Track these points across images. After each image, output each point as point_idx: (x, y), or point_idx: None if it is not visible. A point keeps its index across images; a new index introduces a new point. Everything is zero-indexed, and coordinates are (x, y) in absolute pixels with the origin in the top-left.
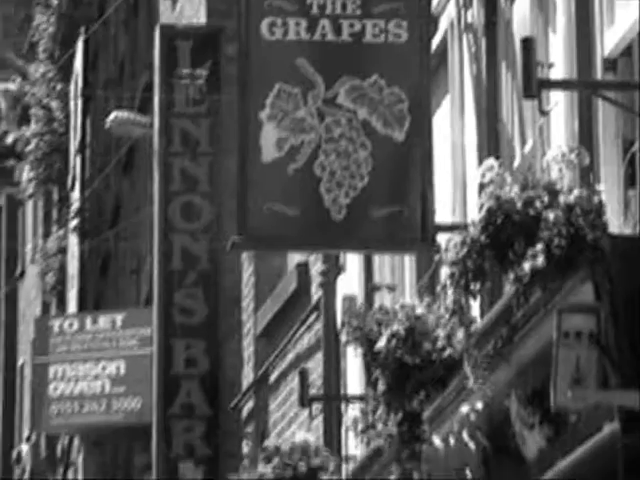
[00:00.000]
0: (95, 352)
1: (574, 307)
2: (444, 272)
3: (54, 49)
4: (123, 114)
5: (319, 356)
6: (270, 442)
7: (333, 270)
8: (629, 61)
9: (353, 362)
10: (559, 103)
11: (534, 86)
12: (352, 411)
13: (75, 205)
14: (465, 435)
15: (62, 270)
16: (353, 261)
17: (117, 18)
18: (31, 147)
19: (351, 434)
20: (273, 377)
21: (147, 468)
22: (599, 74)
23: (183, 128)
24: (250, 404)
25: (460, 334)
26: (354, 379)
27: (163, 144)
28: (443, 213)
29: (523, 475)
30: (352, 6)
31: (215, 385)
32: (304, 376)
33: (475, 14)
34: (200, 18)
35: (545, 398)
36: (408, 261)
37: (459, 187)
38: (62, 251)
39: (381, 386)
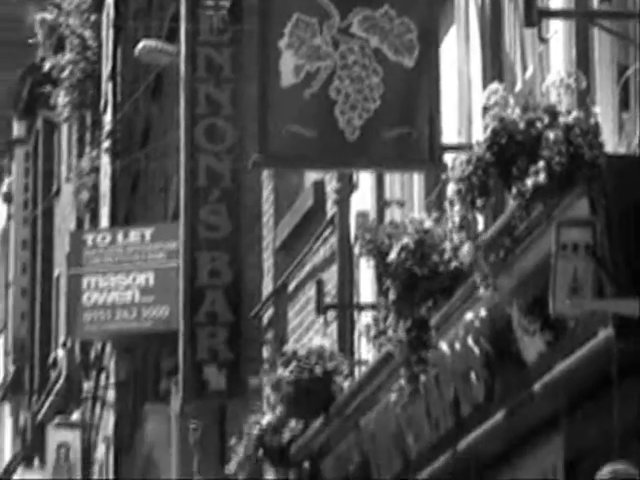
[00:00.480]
0: (126, 264)
1: (572, 221)
2: (451, 189)
3: None
4: (151, 43)
5: (334, 268)
6: (288, 347)
7: (347, 187)
8: None
9: (366, 273)
10: (558, 31)
11: (534, 15)
12: (364, 318)
13: (107, 128)
14: (470, 340)
15: (95, 188)
16: (366, 179)
17: None
18: (66, 74)
19: (363, 340)
20: (291, 287)
21: (174, 372)
22: (595, 4)
23: (207, 55)
24: (270, 312)
25: (466, 247)
26: (366, 288)
27: (189, 71)
28: (450, 134)
29: (524, 378)
30: None
31: (237, 295)
32: (320, 286)
33: None
34: None
35: (545, 306)
36: (417, 179)
37: (465, 110)
38: (95, 170)
39: (392, 295)
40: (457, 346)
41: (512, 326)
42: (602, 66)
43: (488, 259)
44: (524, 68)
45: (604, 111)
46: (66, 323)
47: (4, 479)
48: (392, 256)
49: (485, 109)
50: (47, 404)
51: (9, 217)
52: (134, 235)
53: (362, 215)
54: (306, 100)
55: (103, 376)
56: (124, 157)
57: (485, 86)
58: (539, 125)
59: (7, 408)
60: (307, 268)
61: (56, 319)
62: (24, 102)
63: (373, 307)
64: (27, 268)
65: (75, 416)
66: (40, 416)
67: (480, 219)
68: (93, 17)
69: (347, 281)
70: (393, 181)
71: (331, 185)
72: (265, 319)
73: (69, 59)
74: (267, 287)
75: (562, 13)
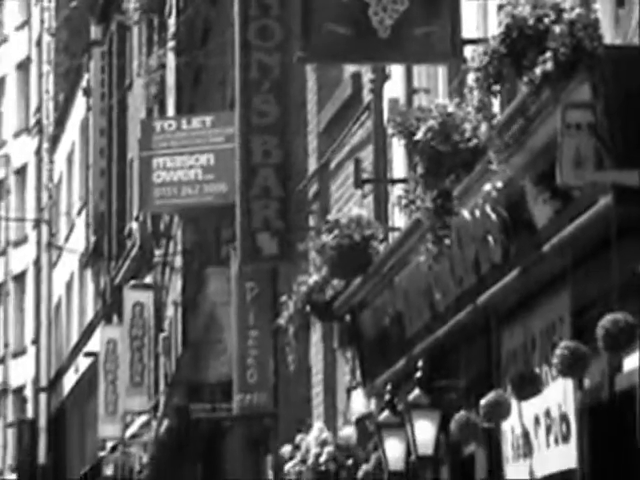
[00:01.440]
0: (189, 147)
1: (575, 104)
2: (470, 77)
3: None
4: None
5: (370, 147)
6: (331, 217)
7: (380, 78)
8: None
9: (397, 151)
10: None
11: None
12: (396, 190)
13: (172, 29)
14: (488, 208)
15: (162, 82)
16: (396, 70)
17: None
18: None
19: (396, 209)
20: (332, 165)
21: (232, 239)
22: None
23: None
24: (314, 187)
25: (483, 127)
26: (398, 164)
27: None
28: (469, 30)
29: (535, 240)
30: None
31: (286, 172)
32: (358, 163)
33: None
34: None
35: (552, 178)
36: (441, 69)
37: (482, 9)
38: (162, 67)
39: (419, 169)
40: (477, 213)
41: (524, 196)
42: None
43: (503, 137)
44: None
45: (603, 8)
46: (139, 199)
47: (88, 335)
48: (419, 136)
49: (499, 7)
50: (123, 269)
51: (88, 108)
52: (196, 122)
53: (394, 101)
54: (343, 2)
55: (171, 244)
56: (187, 54)
57: None
58: (546, 21)
59: (89, 273)
60: (346, 148)
61: (130, 196)
62: (100, 8)
63: (404, 180)
64: (104, 152)
65: (148, 279)
66: (118, 279)
67: (496, 103)
68: None
69: (381, 158)
70: (420, 72)
71: (366, 76)
72: (310, 193)
73: None
74: (312, 165)
75: None
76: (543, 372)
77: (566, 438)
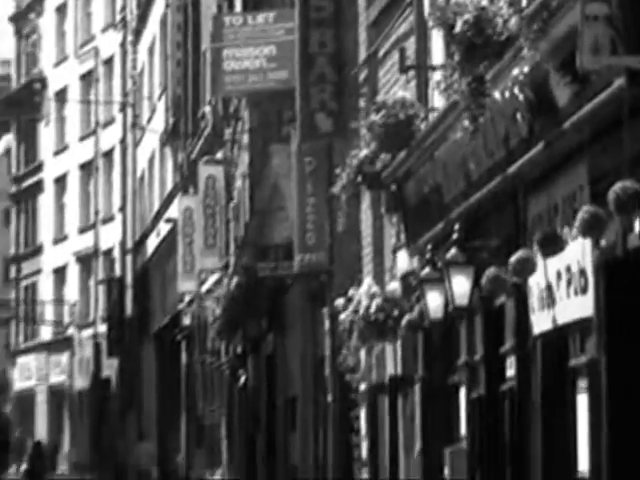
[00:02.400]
0: (255, 40)
1: None
2: None
3: None
4: None
5: (413, 38)
6: (379, 98)
7: None
8: None
9: (437, 41)
10: None
11: None
12: (436, 76)
13: None
14: (516, 90)
15: None
16: None
17: None
18: None
19: (435, 92)
20: (380, 54)
21: (292, 120)
22: None
23: None
24: (365, 73)
25: (513, 19)
26: (437, 53)
27: None
28: None
29: (557, 118)
30: None
31: (340, 60)
32: (402, 52)
33: None
34: None
35: (573, 63)
36: None
37: None
38: None
39: (457, 57)
40: (506, 94)
41: (548, 79)
42: None
43: (530, 27)
44: None
45: None
46: (211, 85)
47: (167, 204)
48: (457, 28)
49: None
50: (198, 146)
51: (167, 5)
52: (261, 17)
53: None
54: None
55: (239, 124)
56: None
57: None
58: None
59: (168, 150)
60: (392, 39)
61: (203, 83)
62: None
63: (442, 67)
64: (181, 44)
65: (219, 155)
66: (193, 155)
67: None
68: None
69: (422, 48)
70: None
71: None
72: (361, 78)
73: None
74: (362, 54)
75: None
76: (565, 233)
77: (584, 290)
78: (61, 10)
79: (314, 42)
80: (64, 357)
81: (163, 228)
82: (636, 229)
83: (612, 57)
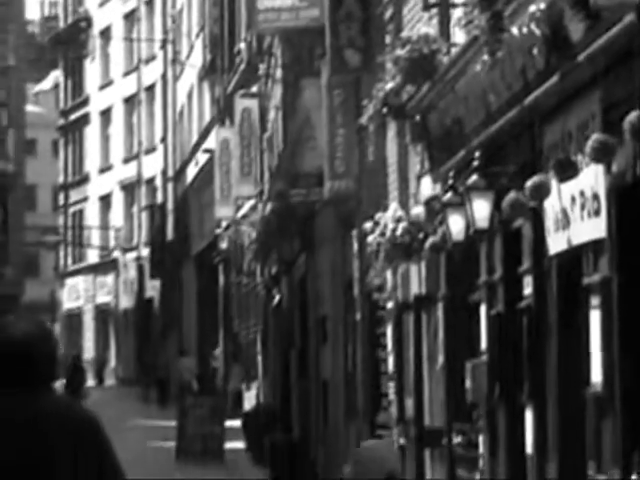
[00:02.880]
0: None
1: None
2: None
3: None
4: None
5: None
6: (404, 34)
7: None
8: None
9: None
10: None
11: None
12: (457, 12)
13: None
14: (533, 26)
15: None
16: None
17: None
18: None
19: (457, 28)
20: None
21: (322, 55)
22: None
23: None
24: (390, 10)
25: None
26: None
27: None
28: None
29: (572, 51)
30: None
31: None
32: None
33: None
34: None
35: (586, 1)
36: None
37: None
38: None
39: None
40: (524, 30)
41: (563, 15)
42: None
43: None
44: None
45: None
46: (246, 23)
47: (205, 135)
48: None
49: None
50: (234, 81)
51: None
52: None
53: None
54: None
55: (273, 60)
56: None
57: None
58: None
59: (206, 85)
60: None
61: (239, 21)
62: None
63: (463, 4)
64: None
65: (254, 89)
66: (229, 89)
67: None
68: None
69: None
70: None
71: None
72: (387, 15)
73: None
74: None
75: None
76: (578, 159)
77: (597, 213)
78: None
79: None
80: (110, 279)
81: (201, 158)
82: None
83: None
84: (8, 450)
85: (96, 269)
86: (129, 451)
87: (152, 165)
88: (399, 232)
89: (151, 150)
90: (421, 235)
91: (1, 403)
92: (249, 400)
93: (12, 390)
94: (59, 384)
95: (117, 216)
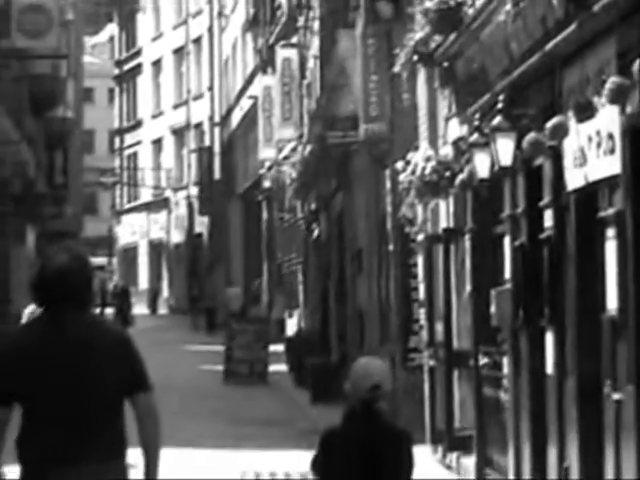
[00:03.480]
0: None
1: None
2: None
3: None
4: None
5: None
6: None
7: None
8: None
9: None
10: None
11: None
12: None
13: None
14: None
15: None
16: None
17: None
18: None
19: None
20: None
21: (357, 7)
22: None
23: None
24: None
25: None
26: None
27: None
28: None
29: (588, 3)
30: None
31: None
32: None
33: None
34: None
35: None
36: None
37: None
38: None
39: None
40: None
41: None
42: None
43: None
44: None
45: None
46: None
47: (249, 83)
48: None
49: None
50: (275, 32)
51: None
52: None
53: None
54: None
55: (311, 12)
56: None
57: None
58: None
59: (249, 36)
60: None
61: None
62: None
63: None
64: None
65: (294, 39)
66: (271, 40)
67: None
68: None
69: None
70: None
71: None
72: None
73: None
74: None
75: None
76: (595, 101)
77: (612, 151)
78: None
79: None
80: (162, 216)
81: (245, 104)
82: None
83: None
84: (61, 355)
85: (149, 207)
86: (181, 373)
87: (200, 111)
88: (429, 170)
89: (199, 97)
90: (449, 173)
91: (50, 319)
92: (291, 326)
93: (57, 309)
94: (110, 311)
95: (168, 158)
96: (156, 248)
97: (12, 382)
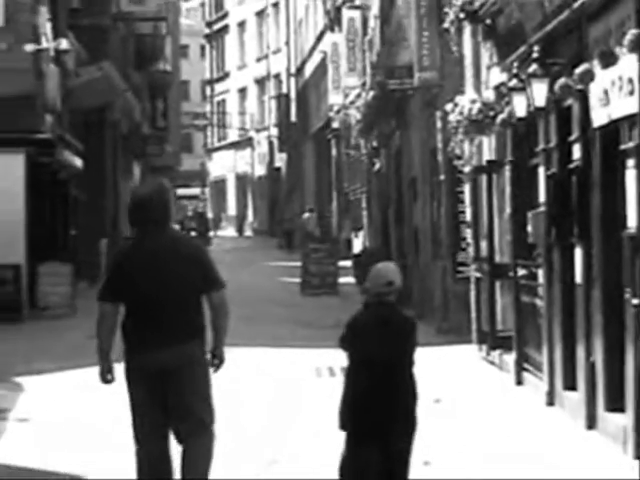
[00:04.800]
0: None
1: None
2: None
3: None
4: None
5: None
6: None
7: None
8: None
9: None
10: None
11: None
12: None
13: None
14: None
15: None
16: None
17: None
18: None
19: None
20: None
21: None
22: None
23: None
24: None
25: None
26: None
27: None
28: None
29: None
30: None
31: None
32: None
33: None
34: None
35: None
36: None
37: None
38: None
39: None
40: None
41: None
42: None
43: None
44: None
45: None
46: None
47: (319, 39)
48: None
49: None
50: None
51: None
52: None
53: None
54: None
55: None
56: None
57: None
58: None
59: (319, 0)
60: None
61: None
62: None
63: None
64: None
65: (357, 2)
66: (338, 3)
67: None
68: None
69: None
70: None
71: None
72: None
73: None
74: None
75: None
76: (617, 51)
77: (632, 93)
78: None
79: None
80: (247, 152)
81: (316, 57)
82: None
83: None
84: (144, 262)
85: (236, 145)
86: (263, 284)
87: (278, 63)
88: (474, 111)
89: (277, 52)
90: (491, 113)
91: (137, 236)
92: (357, 245)
93: (141, 228)
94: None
95: (252, 104)
96: (242, 180)
97: (117, 284)
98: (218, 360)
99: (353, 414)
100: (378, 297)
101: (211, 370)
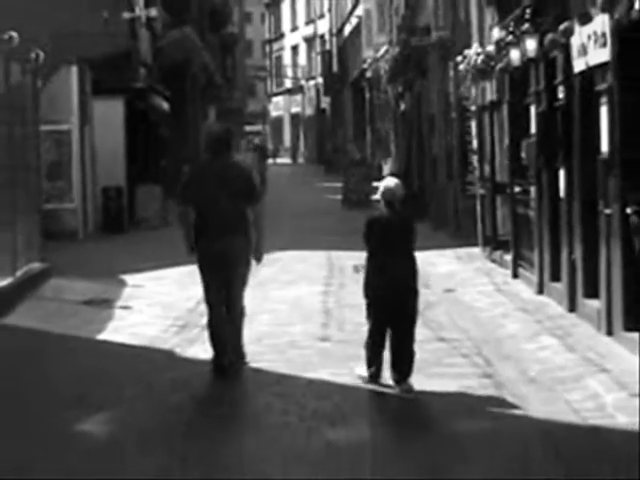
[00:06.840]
0: None
1: None
2: None
3: None
4: None
5: None
6: None
7: None
8: None
9: None
10: None
11: None
12: None
13: None
14: None
15: None
16: None
17: None
18: None
19: None
20: None
21: None
22: None
23: None
24: None
25: None
26: None
27: None
28: None
29: None
30: None
31: None
32: None
33: None
34: None
35: None
36: None
37: None
38: None
39: None
40: None
41: None
42: None
43: None
44: None
45: None
46: None
47: (355, 5)
48: None
49: None
50: None
51: None
52: None
53: None
54: None
55: None
56: None
57: None
58: None
59: None
60: None
61: None
62: None
63: None
64: None
65: None
66: None
67: None
68: None
69: None
70: None
71: None
72: None
73: None
74: None
75: None
76: (592, 11)
77: (604, 45)
78: None
79: None
80: (299, 97)
81: (353, 21)
82: (636, 5)
83: None
84: (209, 178)
85: (290, 91)
86: (312, 200)
87: (323, 26)
88: (479, 62)
89: (322, 16)
90: (493, 63)
91: (207, 160)
92: (386, 169)
93: (213, 154)
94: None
95: (302, 58)
96: (295, 119)
97: (192, 191)
98: (259, 253)
99: (372, 286)
100: (386, 202)
101: (254, 260)
